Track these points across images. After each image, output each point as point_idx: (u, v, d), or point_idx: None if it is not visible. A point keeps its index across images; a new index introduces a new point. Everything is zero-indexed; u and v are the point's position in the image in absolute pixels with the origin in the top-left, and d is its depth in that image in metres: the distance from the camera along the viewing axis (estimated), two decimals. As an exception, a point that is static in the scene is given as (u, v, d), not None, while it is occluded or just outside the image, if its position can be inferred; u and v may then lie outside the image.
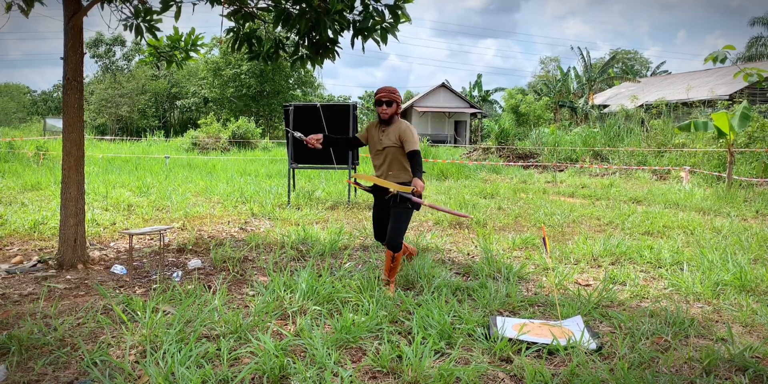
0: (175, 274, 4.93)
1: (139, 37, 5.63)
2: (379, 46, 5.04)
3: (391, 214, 4.33)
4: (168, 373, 2.78)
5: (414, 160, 4.30)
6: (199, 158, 17.72)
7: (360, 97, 62.26)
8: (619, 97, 29.86)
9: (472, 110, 40.09)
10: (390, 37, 5.01)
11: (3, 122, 42.35)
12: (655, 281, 5.00)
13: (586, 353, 3.22)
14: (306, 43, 5.47)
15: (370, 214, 8.58)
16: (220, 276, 4.90)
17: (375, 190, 4.50)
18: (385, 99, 4.26)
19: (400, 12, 4.92)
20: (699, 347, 3.40)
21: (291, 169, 10.01)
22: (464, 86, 62.52)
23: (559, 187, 13.27)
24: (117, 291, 4.42)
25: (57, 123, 27.62)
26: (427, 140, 24.08)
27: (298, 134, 4.30)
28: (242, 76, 35.09)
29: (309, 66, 5.70)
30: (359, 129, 15.26)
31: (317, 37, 5.30)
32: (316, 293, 4.10)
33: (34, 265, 5.14)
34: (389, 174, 4.36)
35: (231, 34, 5.68)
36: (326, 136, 4.37)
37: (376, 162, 4.45)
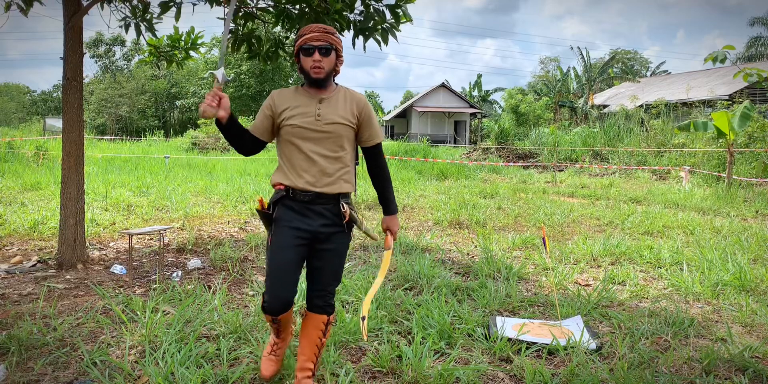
0: (174, 274, 4.93)
1: (138, 37, 5.63)
2: (380, 46, 5.05)
3: (330, 252, 2.47)
4: (168, 373, 2.78)
5: (381, 168, 2.55)
6: (198, 158, 17.71)
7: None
8: (618, 97, 29.85)
9: (472, 110, 40.11)
10: (390, 37, 5.01)
11: (3, 122, 42.36)
12: (655, 281, 5.00)
13: (585, 353, 3.22)
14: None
15: (369, 213, 8.52)
16: (220, 276, 4.89)
17: (293, 209, 2.41)
18: (318, 43, 2.31)
19: (401, 12, 4.92)
20: (699, 347, 3.40)
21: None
22: (464, 86, 62.53)
23: (559, 187, 13.27)
24: (116, 291, 4.41)
25: (57, 123, 27.58)
26: (427, 140, 24.09)
27: (221, 75, 2.32)
28: (242, 76, 35.13)
29: None
30: None
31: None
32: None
33: (34, 265, 5.14)
34: (326, 178, 2.39)
35: (230, 34, 5.68)
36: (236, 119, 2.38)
37: (304, 153, 2.38)
